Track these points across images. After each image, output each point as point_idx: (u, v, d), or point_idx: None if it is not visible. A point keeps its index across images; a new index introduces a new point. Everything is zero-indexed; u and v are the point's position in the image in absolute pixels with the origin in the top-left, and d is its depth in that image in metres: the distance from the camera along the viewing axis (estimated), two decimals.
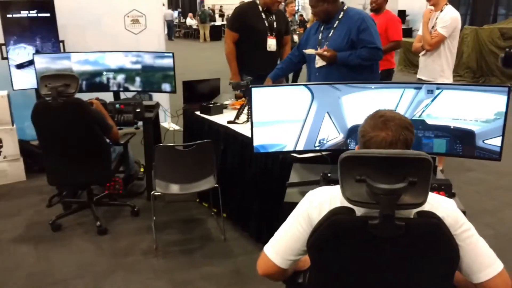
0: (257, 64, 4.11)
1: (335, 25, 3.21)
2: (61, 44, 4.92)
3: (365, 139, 1.41)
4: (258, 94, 2.24)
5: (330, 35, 3.22)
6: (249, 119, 2.78)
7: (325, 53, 3.15)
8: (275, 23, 4.24)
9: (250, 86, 2.28)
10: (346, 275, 1.37)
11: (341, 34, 3.17)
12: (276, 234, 1.51)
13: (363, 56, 3.12)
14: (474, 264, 1.35)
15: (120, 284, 2.78)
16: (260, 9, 4.17)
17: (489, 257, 1.37)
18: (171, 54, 3.91)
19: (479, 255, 1.36)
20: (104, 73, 3.94)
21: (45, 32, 4.70)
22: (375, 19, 4.64)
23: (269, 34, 4.19)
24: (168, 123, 5.72)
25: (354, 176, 1.25)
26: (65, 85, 3.04)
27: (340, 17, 3.21)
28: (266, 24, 4.18)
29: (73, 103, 3.06)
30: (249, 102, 2.28)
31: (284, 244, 1.47)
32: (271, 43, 4.21)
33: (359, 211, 1.30)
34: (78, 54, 3.92)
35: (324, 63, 3.21)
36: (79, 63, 3.90)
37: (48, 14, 4.68)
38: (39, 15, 4.67)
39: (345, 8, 3.23)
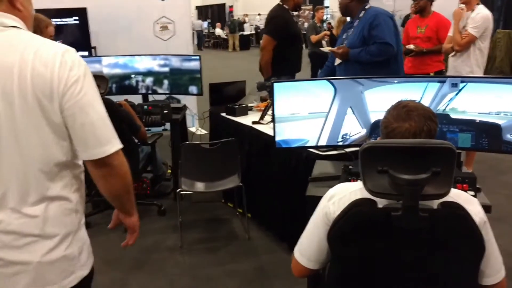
0: (300, 64, 4.49)
1: (355, 24, 3.31)
2: (93, 50, 5.09)
3: (388, 130, 1.40)
4: (280, 89, 2.26)
5: (350, 33, 3.32)
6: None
7: (338, 50, 3.29)
8: None
9: (272, 81, 2.30)
10: (367, 268, 1.36)
11: (357, 32, 3.25)
12: (301, 236, 1.52)
13: (372, 52, 3.15)
14: (487, 265, 1.35)
15: (146, 279, 2.84)
16: (291, 13, 4.41)
17: (500, 262, 1.39)
18: (197, 57, 3.98)
19: (494, 257, 1.37)
20: (133, 76, 4.05)
21: (77, 39, 4.88)
22: (422, 21, 4.54)
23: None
24: (196, 128, 5.80)
25: (376, 167, 1.23)
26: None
27: (360, 16, 3.28)
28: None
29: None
30: (271, 97, 2.31)
31: (309, 247, 1.48)
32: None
33: (381, 203, 1.29)
34: (108, 58, 4.04)
35: (341, 60, 3.34)
36: (109, 67, 4.02)
37: (77, 22, 4.86)
38: (72, 22, 4.85)
39: (366, 7, 3.29)
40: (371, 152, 1.26)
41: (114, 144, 1.28)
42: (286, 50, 4.28)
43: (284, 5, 4.29)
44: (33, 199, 1.24)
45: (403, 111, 1.39)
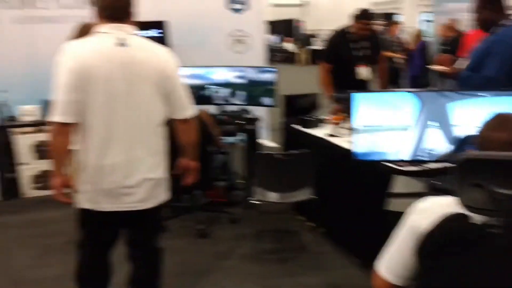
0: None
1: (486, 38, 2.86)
2: None
3: (481, 139, 1.34)
4: (361, 100, 2.23)
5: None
6: (350, 133, 2.75)
7: (448, 70, 3.11)
8: (367, 50, 4.22)
9: (352, 92, 2.28)
10: (458, 285, 1.29)
11: (479, 49, 2.83)
12: (386, 250, 1.48)
13: (473, 83, 2.70)
14: None
15: (218, 284, 2.89)
16: (349, 38, 4.19)
17: None
18: (274, 69, 4.03)
19: None
20: (210, 87, 4.16)
21: None
22: None
23: (359, 63, 4.19)
24: (267, 141, 5.84)
25: (473, 180, 1.18)
26: None
27: (496, 31, 2.78)
28: (358, 53, 4.19)
29: None
30: (351, 108, 2.27)
31: (396, 263, 1.43)
32: (361, 72, 4.21)
33: (475, 218, 1.22)
34: (187, 69, 4.18)
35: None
36: (187, 77, 4.15)
37: (159, 34, 5.08)
38: (152, 35, 5.08)
39: (510, 23, 2.77)
40: (470, 165, 1.20)
41: (191, 109, 2.18)
42: (336, 73, 4.23)
43: (345, 29, 4.23)
44: (148, 149, 2.07)
45: (498, 120, 1.34)
